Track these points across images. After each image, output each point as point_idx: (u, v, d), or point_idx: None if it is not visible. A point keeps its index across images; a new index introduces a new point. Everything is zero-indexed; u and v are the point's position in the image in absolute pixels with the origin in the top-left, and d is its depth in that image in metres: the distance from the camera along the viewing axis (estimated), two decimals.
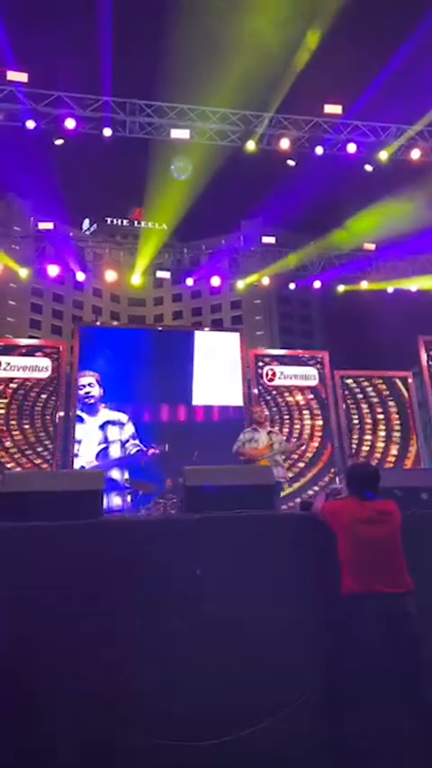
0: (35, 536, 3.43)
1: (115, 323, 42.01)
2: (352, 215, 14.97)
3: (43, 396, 9.65)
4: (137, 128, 11.17)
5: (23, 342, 10.74)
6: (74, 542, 3.48)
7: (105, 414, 9.91)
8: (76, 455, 9.50)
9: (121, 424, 9.93)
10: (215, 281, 14.93)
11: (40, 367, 9.80)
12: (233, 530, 3.66)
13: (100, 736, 3.13)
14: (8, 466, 8.99)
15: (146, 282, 15.08)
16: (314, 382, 10.71)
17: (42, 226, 14.28)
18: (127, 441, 9.84)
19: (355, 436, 10.52)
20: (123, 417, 9.95)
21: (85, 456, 9.56)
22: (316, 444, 10.23)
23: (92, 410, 9.88)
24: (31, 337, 38.48)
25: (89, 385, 9.93)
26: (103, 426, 9.84)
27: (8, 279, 16.87)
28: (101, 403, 9.93)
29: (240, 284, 15.05)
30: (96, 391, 9.94)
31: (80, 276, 14.30)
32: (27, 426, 9.42)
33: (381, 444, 10.55)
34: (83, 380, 9.92)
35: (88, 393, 9.88)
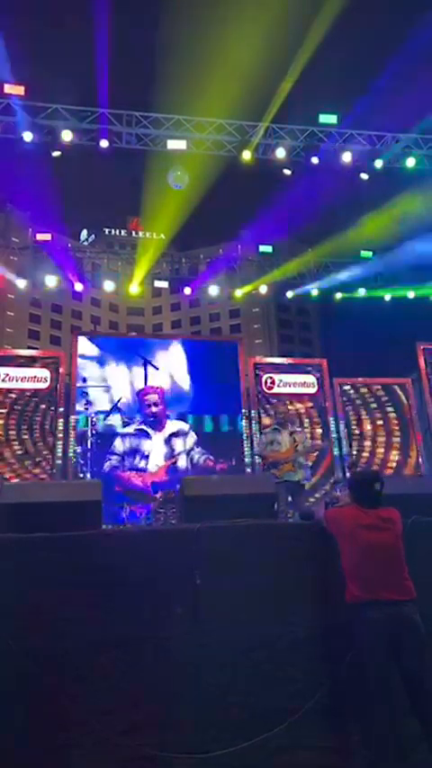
0: (36, 547, 3.41)
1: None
2: (348, 223, 15.05)
3: (42, 406, 9.63)
4: (133, 139, 11.24)
5: (22, 352, 10.75)
6: (74, 553, 3.46)
7: (170, 426, 9.86)
8: (145, 470, 9.48)
9: (185, 434, 9.85)
10: (213, 289, 14.96)
11: (39, 377, 9.78)
12: (233, 539, 3.64)
13: (102, 744, 3.10)
14: (7, 477, 8.96)
15: (144, 292, 15.15)
16: (313, 390, 10.70)
17: (40, 237, 14.33)
18: (191, 449, 9.79)
19: (355, 444, 10.50)
20: (185, 426, 9.88)
21: (154, 470, 9.54)
22: (315, 453, 10.19)
23: (157, 425, 9.83)
24: (29, 348, 38.54)
25: (154, 404, 9.85)
26: (168, 440, 9.78)
27: (6, 290, 16.92)
28: (166, 416, 9.89)
29: (238, 293, 15.08)
30: (159, 409, 9.86)
31: (78, 286, 14.36)
32: (26, 437, 9.39)
33: (380, 451, 10.52)
34: (148, 398, 9.84)
35: (154, 413, 9.81)
